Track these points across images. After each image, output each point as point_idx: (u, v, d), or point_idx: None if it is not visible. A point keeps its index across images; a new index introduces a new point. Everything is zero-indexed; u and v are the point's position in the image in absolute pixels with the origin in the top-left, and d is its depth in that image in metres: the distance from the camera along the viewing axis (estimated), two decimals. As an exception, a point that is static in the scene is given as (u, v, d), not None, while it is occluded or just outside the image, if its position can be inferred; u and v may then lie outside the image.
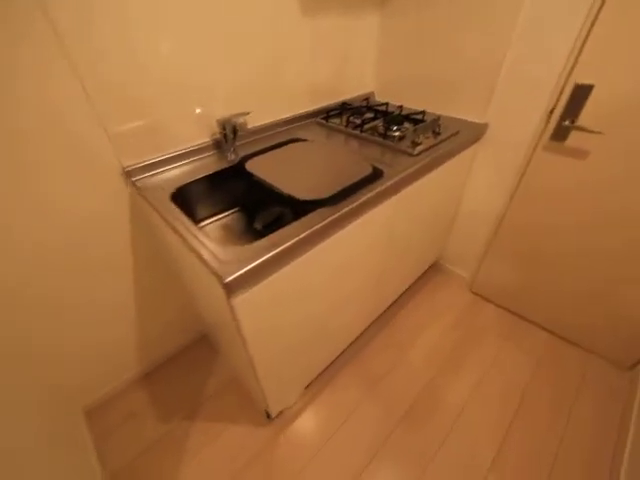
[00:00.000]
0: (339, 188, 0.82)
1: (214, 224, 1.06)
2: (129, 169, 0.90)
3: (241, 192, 1.08)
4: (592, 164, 1.03)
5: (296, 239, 0.68)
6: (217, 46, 0.93)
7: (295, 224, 0.72)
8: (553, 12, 0.94)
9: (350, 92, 1.42)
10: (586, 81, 0.95)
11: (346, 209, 0.77)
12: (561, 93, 1.01)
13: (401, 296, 1.61)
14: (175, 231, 0.73)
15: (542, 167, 1.14)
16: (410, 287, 1.65)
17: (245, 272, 0.61)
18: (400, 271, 1.36)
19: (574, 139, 1.03)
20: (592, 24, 0.89)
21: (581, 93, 0.96)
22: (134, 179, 0.92)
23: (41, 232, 0.85)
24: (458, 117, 1.28)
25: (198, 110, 0.98)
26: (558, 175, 1.12)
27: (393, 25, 1.31)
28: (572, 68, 0.96)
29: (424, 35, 1.23)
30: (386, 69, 1.43)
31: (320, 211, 0.76)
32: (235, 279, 0.59)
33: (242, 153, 1.05)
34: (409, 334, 1.46)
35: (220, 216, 1.08)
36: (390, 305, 1.55)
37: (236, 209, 1.11)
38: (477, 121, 1.23)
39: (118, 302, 1.11)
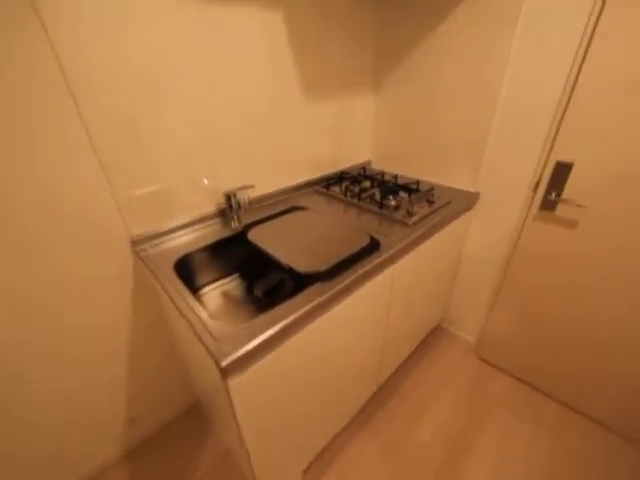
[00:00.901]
0: (337, 259, 0.84)
1: (215, 291, 1.07)
2: (136, 238, 0.94)
3: (242, 259, 1.10)
4: (582, 233, 1.07)
5: (294, 316, 0.68)
6: (226, 124, 1.02)
7: (293, 300, 0.73)
8: (529, 95, 1.05)
9: (348, 162, 1.53)
10: (566, 159, 1.02)
11: (344, 283, 0.78)
12: (544, 168, 1.08)
13: (405, 363, 1.55)
14: (176, 307, 0.73)
15: (535, 235, 1.18)
16: (414, 353, 1.59)
17: (243, 354, 0.60)
18: (402, 337, 1.33)
19: (562, 210, 1.08)
20: (565, 108, 0.98)
21: (562, 170, 1.04)
22: (140, 248, 0.95)
23: (44, 295, 0.85)
24: (450, 186, 1.35)
25: (205, 182, 1.04)
26: (551, 242, 1.15)
27: (386, 104, 1.45)
28: (552, 146, 1.05)
29: (415, 111, 1.36)
30: (381, 141, 1.55)
31: (319, 285, 0.77)
32: (232, 362, 0.58)
33: (245, 221, 1.10)
34: (416, 408, 1.37)
35: (221, 282, 1.09)
36: (394, 373, 1.48)
37: (237, 275, 1.13)
38: (469, 190, 1.30)
39: (113, 372, 1.07)
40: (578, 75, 0.94)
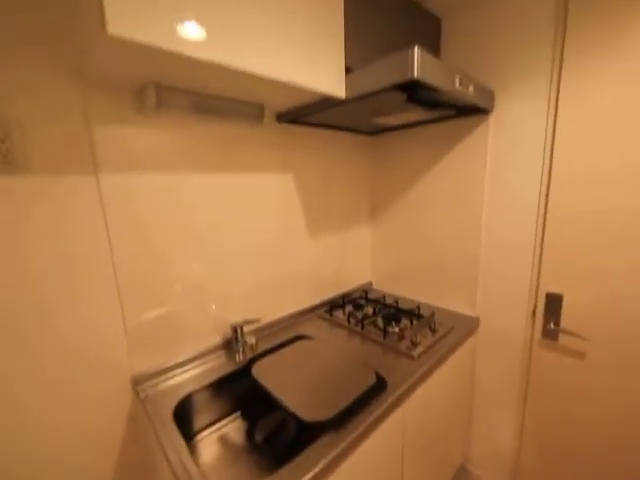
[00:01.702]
0: (344, 404, 0.81)
1: (213, 435, 0.98)
2: (138, 377, 0.92)
3: (245, 396, 1.05)
4: (591, 365, 1.05)
5: (300, 483, 0.62)
6: (238, 257, 1.12)
7: (298, 460, 0.67)
8: (509, 229, 1.18)
9: (350, 284, 1.61)
10: (555, 290, 1.09)
11: (353, 435, 0.74)
12: (536, 297, 1.14)
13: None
14: (172, 470, 0.67)
15: (545, 364, 1.15)
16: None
17: None
18: (421, 487, 1.14)
19: (565, 340, 1.09)
20: (542, 241, 1.10)
21: (553, 300, 1.09)
22: (140, 387, 0.92)
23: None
24: (450, 309, 1.39)
25: (214, 312, 1.08)
26: (565, 372, 1.11)
27: (382, 232, 1.62)
28: (538, 277, 1.13)
29: (408, 239, 1.50)
30: (380, 264, 1.67)
31: (324, 440, 0.72)
32: None
33: (250, 353, 1.09)
34: None
35: (220, 424, 1.02)
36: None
37: (238, 413, 1.06)
38: (469, 314, 1.33)
39: None
40: (545, 213, 1.08)
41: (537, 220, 1.12)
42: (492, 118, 1.16)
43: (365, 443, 0.79)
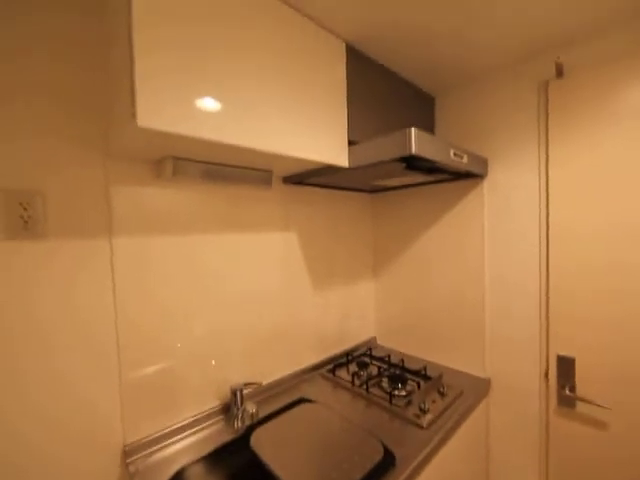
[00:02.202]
0: (349, 484, 0.75)
1: (203, 517, 0.89)
2: (129, 447, 0.87)
3: (242, 469, 0.97)
4: (614, 436, 0.98)
5: None
6: (238, 317, 1.11)
7: None
8: (513, 290, 1.19)
9: (353, 340, 1.57)
10: (566, 353, 1.05)
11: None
12: (547, 359, 1.10)
13: None
14: None
15: (562, 433, 1.07)
16: None
17: None
18: None
19: (584, 408, 1.03)
20: (547, 303, 1.09)
21: (565, 363, 1.05)
22: (131, 459, 0.86)
23: None
24: (459, 369, 1.34)
25: (213, 373, 1.05)
26: (584, 443, 1.03)
27: (386, 287, 1.62)
28: (547, 339, 1.10)
29: (412, 291, 1.49)
30: (384, 319, 1.64)
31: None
32: None
33: (249, 419, 1.03)
34: None
35: (212, 503, 0.93)
36: None
37: (232, 489, 0.97)
38: (479, 375, 1.28)
39: None
40: (548, 272, 1.09)
41: (540, 279, 1.12)
42: (487, 182, 1.23)
43: (373, 533, 0.72)
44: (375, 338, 1.68)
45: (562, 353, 1.06)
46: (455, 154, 0.97)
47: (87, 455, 0.82)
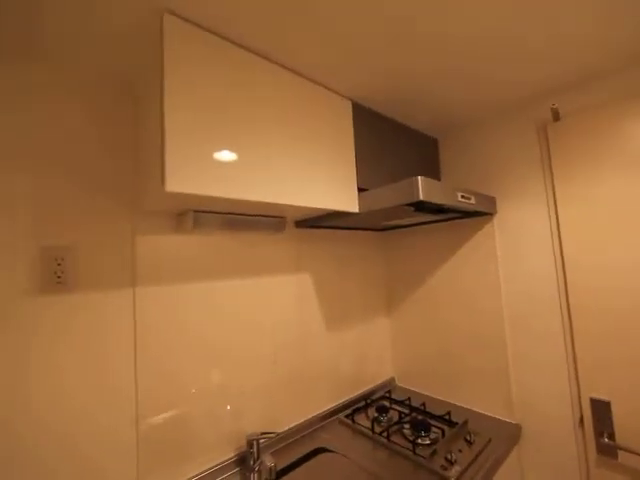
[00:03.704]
0: None
1: None
2: (145, 505, 0.84)
3: (258, 528, 0.93)
4: (667, 492, 0.89)
5: None
6: (253, 362, 1.10)
7: None
8: (531, 326, 1.15)
9: (372, 381, 1.52)
10: (600, 396, 0.99)
11: None
12: (580, 404, 1.04)
13: None
14: None
15: (608, 488, 0.98)
16: None
17: None
18: None
19: (627, 458, 0.95)
20: (572, 338, 1.05)
21: (600, 407, 0.99)
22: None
23: None
24: (486, 413, 1.26)
25: (228, 421, 1.03)
26: (634, 501, 0.94)
27: (401, 325, 1.59)
28: (577, 382, 1.04)
29: (429, 329, 1.45)
30: (402, 359, 1.59)
31: None
32: None
33: (266, 474, 0.99)
34: None
35: None
36: None
37: None
38: (507, 420, 1.21)
39: None
40: (568, 307, 1.06)
41: (562, 314, 1.09)
42: (496, 219, 1.24)
43: None
44: (394, 379, 1.62)
45: (596, 396, 1.00)
46: (463, 197, 1.00)
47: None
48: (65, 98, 0.83)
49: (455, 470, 0.93)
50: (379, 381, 1.55)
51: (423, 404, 1.32)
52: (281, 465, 1.03)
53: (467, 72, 0.96)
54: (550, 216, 1.12)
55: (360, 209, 0.99)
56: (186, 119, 0.68)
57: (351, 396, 1.41)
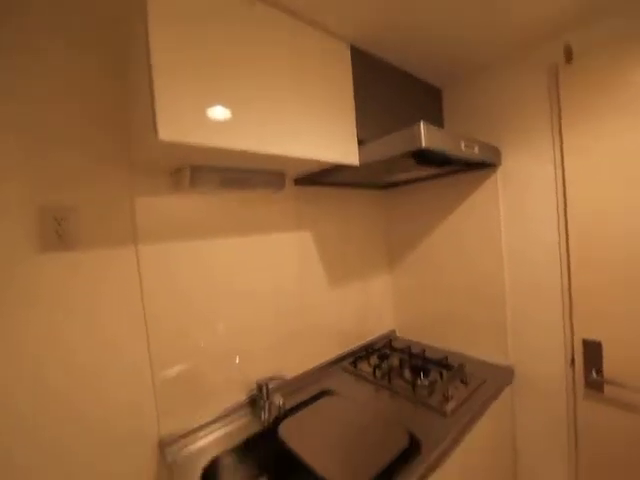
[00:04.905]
0: (376, 469, 0.77)
1: (238, 504, 0.95)
2: (165, 439, 0.92)
3: (271, 458, 1.02)
4: (647, 419, 0.96)
5: None
6: (258, 316, 1.15)
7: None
8: (534, 274, 1.18)
9: (373, 333, 1.59)
10: (591, 337, 1.04)
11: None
12: (573, 345, 1.09)
13: None
14: None
15: (591, 418, 1.06)
16: None
17: None
18: None
19: (612, 390, 1.01)
20: (569, 285, 1.08)
21: (592, 348, 1.04)
22: (167, 450, 0.92)
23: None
24: (481, 358, 1.33)
25: (239, 369, 1.10)
26: (612, 428, 1.02)
27: (402, 279, 1.63)
28: (571, 324, 1.09)
29: (430, 283, 1.49)
30: (402, 311, 1.65)
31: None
32: None
33: (275, 411, 1.08)
34: None
35: (246, 491, 0.98)
36: None
37: (264, 478, 1.02)
38: (501, 363, 1.28)
39: None
40: (568, 255, 1.07)
41: (560, 262, 1.11)
42: (500, 171, 1.22)
43: (402, 516, 0.75)
44: (394, 331, 1.69)
45: (588, 337, 1.05)
46: (466, 145, 0.97)
47: (128, 448, 0.89)
48: (51, 53, 0.78)
49: (451, 405, 1.01)
50: (380, 333, 1.62)
51: (422, 351, 1.39)
52: (289, 406, 1.11)
53: (479, 2, 0.88)
54: (555, 168, 1.10)
55: (360, 162, 0.97)
56: (174, 60, 0.65)
57: (353, 347, 1.48)
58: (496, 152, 1.18)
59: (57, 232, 0.79)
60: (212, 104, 0.70)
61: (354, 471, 0.78)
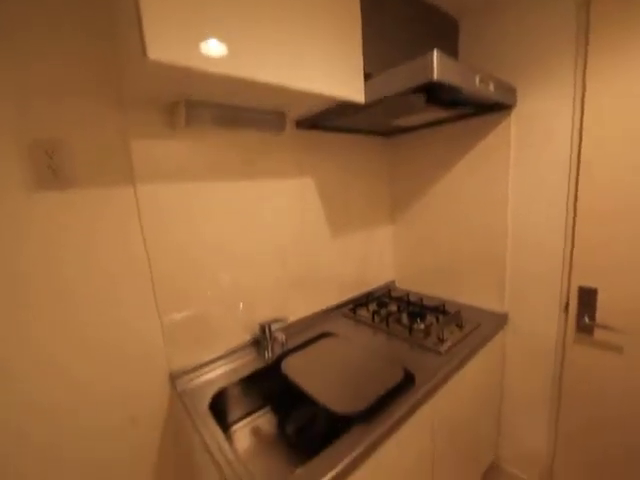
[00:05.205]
0: (373, 398, 0.83)
1: (246, 427, 1.03)
2: (175, 373, 0.98)
3: (274, 391, 1.10)
4: (628, 359, 1.01)
5: (336, 470, 0.65)
6: (260, 263, 1.16)
7: (331, 449, 0.70)
8: (538, 223, 1.17)
9: (373, 283, 1.62)
10: (588, 284, 1.06)
11: (385, 426, 0.76)
12: (569, 292, 1.11)
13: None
14: (211, 457, 0.72)
15: (578, 359, 1.12)
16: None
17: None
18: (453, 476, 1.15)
19: (602, 334, 1.05)
20: (572, 234, 1.07)
21: (587, 294, 1.06)
22: (178, 382, 0.98)
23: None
24: (477, 306, 1.37)
25: (241, 314, 1.13)
26: (597, 368, 1.08)
27: (404, 231, 1.62)
28: (569, 271, 1.10)
29: (432, 233, 1.49)
30: (402, 263, 1.67)
31: (355, 431, 0.75)
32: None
33: (278, 350, 1.13)
34: None
35: (252, 417, 1.06)
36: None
37: (268, 408, 1.10)
38: (496, 310, 1.32)
39: None
40: (576, 204, 1.05)
41: (567, 211, 1.09)
42: (514, 113, 1.15)
43: (395, 436, 0.81)
44: (394, 282, 1.73)
45: (584, 284, 1.06)
46: (481, 80, 0.90)
47: (142, 377, 0.95)
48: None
49: (445, 346, 1.06)
50: (380, 283, 1.66)
51: (420, 299, 1.43)
52: (290, 345, 1.17)
53: None
54: (574, 113, 1.03)
55: (366, 98, 0.91)
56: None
57: (353, 295, 1.52)
58: (512, 91, 1.10)
59: (50, 167, 0.76)
60: (205, 22, 0.63)
61: (351, 400, 0.84)
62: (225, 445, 0.74)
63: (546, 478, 1.30)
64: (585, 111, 0.99)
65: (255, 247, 1.14)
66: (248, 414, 1.07)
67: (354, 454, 0.69)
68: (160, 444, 1.00)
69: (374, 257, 1.61)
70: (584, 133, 1.01)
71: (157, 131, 0.90)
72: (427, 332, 1.15)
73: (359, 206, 1.50)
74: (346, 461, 0.68)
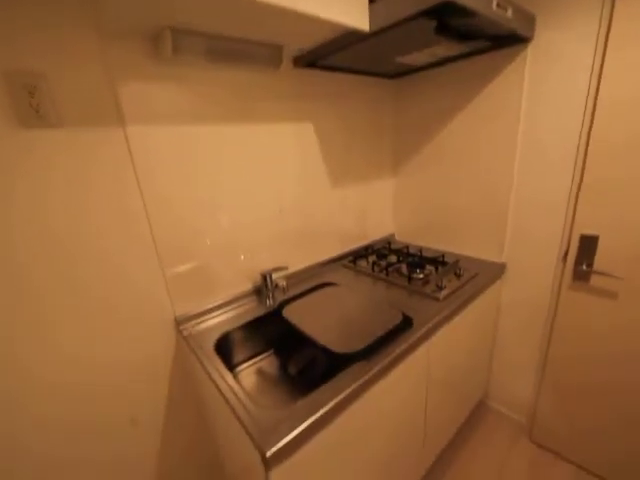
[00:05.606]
0: (372, 339, 0.86)
1: (250, 368, 1.08)
2: (180, 318, 1.01)
3: (277, 335, 1.13)
4: (623, 304, 1.04)
5: (335, 401, 0.69)
6: (262, 211, 1.15)
7: (331, 383, 0.74)
8: (544, 174, 1.14)
9: (373, 235, 1.62)
10: (590, 232, 1.05)
11: (382, 363, 0.79)
12: (569, 240, 1.11)
13: (451, 446, 1.40)
14: (221, 394, 0.75)
15: (573, 305, 1.15)
16: (459, 434, 1.45)
17: (286, 444, 0.60)
18: (444, 413, 1.23)
19: (598, 280, 1.07)
20: (580, 181, 1.05)
21: (588, 242, 1.06)
22: (183, 327, 1.01)
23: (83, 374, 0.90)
24: (476, 257, 1.38)
25: (243, 261, 1.14)
26: (593, 313, 1.11)
27: (405, 184, 1.59)
28: (573, 220, 1.09)
29: (434, 185, 1.46)
30: (403, 216, 1.66)
31: (356, 367, 0.78)
32: (276, 453, 0.59)
33: (279, 298, 1.16)
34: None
35: (255, 360, 1.11)
36: (440, 457, 1.33)
37: (271, 351, 1.15)
38: (495, 261, 1.33)
39: (142, 449, 1.05)
40: (587, 150, 1.01)
41: (577, 158, 1.05)
42: (531, 47, 1.05)
43: (393, 372, 0.85)
44: (394, 235, 1.72)
45: (586, 232, 1.06)
46: (498, 4, 0.81)
47: (150, 323, 0.97)
48: None
49: (443, 293, 1.07)
50: (380, 236, 1.65)
51: (420, 250, 1.44)
52: (291, 294, 1.19)
53: None
54: (598, 42, 0.94)
55: (371, 26, 0.82)
56: None
57: (353, 247, 1.53)
58: (531, 21, 1.00)
59: (31, 105, 0.71)
60: None
61: (351, 341, 0.86)
62: (230, 379, 0.77)
63: (530, 416, 1.41)
64: (610, 39, 0.91)
65: (253, 194, 1.12)
66: (251, 357, 1.12)
67: (354, 385, 0.73)
68: (169, 383, 1.06)
69: (374, 209, 1.59)
70: (606, 64, 0.93)
71: (143, 64, 0.82)
72: (426, 281, 1.16)
73: (360, 155, 1.44)
74: (347, 391, 0.71)
